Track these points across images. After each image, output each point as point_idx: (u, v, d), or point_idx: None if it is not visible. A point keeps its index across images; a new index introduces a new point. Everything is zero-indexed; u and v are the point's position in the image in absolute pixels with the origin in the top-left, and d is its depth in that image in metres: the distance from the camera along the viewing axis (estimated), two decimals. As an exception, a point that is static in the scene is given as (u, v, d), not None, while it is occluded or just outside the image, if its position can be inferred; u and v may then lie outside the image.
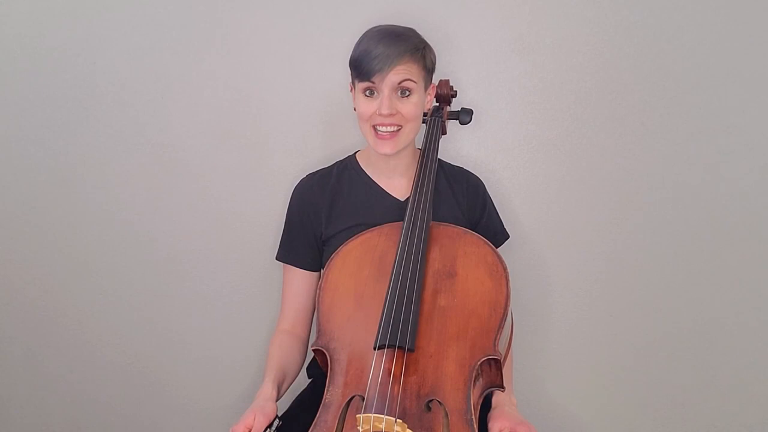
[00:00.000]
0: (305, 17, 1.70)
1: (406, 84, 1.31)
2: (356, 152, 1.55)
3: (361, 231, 1.36)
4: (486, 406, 1.25)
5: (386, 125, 1.33)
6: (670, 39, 1.66)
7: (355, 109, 1.42)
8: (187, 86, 1.73)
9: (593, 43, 1.68)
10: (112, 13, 1.71)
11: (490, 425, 1.17)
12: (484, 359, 1.14)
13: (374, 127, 1.35)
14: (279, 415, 1.18)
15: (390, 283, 1.22)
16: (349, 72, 1.40)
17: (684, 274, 1.74)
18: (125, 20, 1.71)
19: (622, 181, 1.72)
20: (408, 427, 1.05)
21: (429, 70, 1.39)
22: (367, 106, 1.33)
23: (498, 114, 1.72)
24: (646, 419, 1.81)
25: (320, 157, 1.70)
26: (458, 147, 1.74)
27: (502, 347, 1.18)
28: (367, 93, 1.33)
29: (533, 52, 1.69)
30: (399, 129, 1.34)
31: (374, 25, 1.37)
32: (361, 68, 1.30)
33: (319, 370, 1.30)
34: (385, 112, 1.30)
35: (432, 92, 1.47)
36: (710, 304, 1.75)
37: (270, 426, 1.13)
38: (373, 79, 1.30)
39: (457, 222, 1.39)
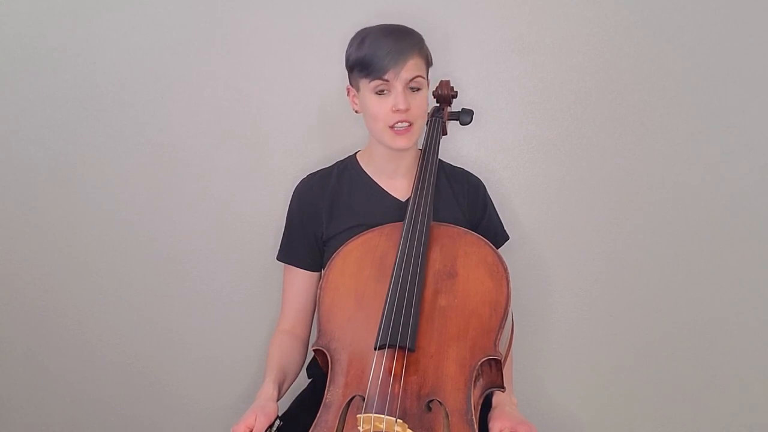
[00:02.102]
0: (305, 17, 1.70)
1: (417, 80, 1.33)
2: (356, 152, 1.55)
3: (362, 231, 1.36)
4: (486, 406, 1.25)
5: (401, 122, 1.33)
6: (670, 39, 1.66)
7: (356, 112, 1.42)
8: (187, 86, 1.73)
9: (593, 43, 1.68)
10: (112, 13, 1.71)
11: (490, 425, 1.17)
12: (484, 359, 1.14)
13: (389, 125, 1.34)
14: (279, 415, 1.18)
15: (390, 283, 1.22)
16: (348, 74, 1.40)
17: (684, 274, 1.74)
18: (125, 20, 1.71)
19: (622, 181, 1.72)
20: (408, 427, 1.05)
21: (429, 66, 1.41)
22: (381, 105, 1.33)
23: (498, 114, 1.72)
24: (646, 419, 1.81)
25: (320, 157, 1.70)
26: (458, 147, 1.74)
27: (502, 347, 1.18)
28: (378, 91, 1.33)
29: (533, 52, 1.69)
30: (411, 125, 1.34)
31: (371, 26, 1.37)
32: (373, 66, 1.29)
33: (319, 370, 1.30)
34: (402, 107, 1.30)
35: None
36: (710, 304, 1.75)
37: (271, 426, 1.13)
38: (386, 77, 1.29)
39: (457, 223, 1.39)
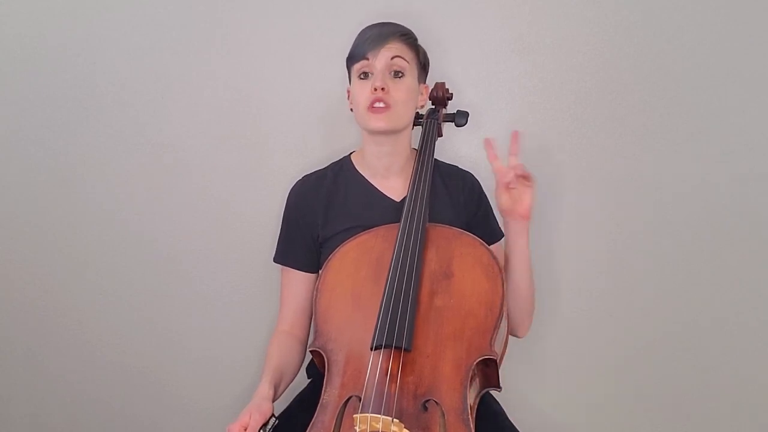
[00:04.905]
0: (305, 17, 1.70)
1: (398, 62, 1.35)
2: (350, 153, 1.54)
3: (358, 232, 1.36)
4: (485, 405, 1.24)
5: (378, 101, 1.34)
6: (670, 39, 1.66)
7: (352, 110, 1.42)
8: (187, 86, 1.74)
9: (593, 43, 1.67)
10: (112, 13, 1.71)
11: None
12: (480, 359, 1.14)
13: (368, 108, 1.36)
14: (277, 414, 1.18)
15: (387, 284, 1.22)
16: (347, 73, 1.42)
17: (684, 274, 1.74)
18: (125, 20, 1.71)
19: (622, 181, 1.72)
20: (405, 427, 1.05)
21: (422, 63, 1.43)
22: (362, 88, 1.36)
23: (498, 114, 1.72)
24: (646, 419, 1.81)
25: (320, 157, 1.70)
26: (458, 147, 1.73)
27: (498, 347, 1.18)
28: (362, 76, 1.37)
29: (533, 52, 1.69)
30: (389, 107, 1.35)
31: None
32: (356, 51, 1.36)
33: (318, 370, 1.30)
34: (378, 84, 1.32)
35: (425, 93, 1.48)
36: (710, 304, 1.74)
37: (266, 424, 1.13)
38: (367, 56, 1.34)
39: (452, 222, 1.38)
